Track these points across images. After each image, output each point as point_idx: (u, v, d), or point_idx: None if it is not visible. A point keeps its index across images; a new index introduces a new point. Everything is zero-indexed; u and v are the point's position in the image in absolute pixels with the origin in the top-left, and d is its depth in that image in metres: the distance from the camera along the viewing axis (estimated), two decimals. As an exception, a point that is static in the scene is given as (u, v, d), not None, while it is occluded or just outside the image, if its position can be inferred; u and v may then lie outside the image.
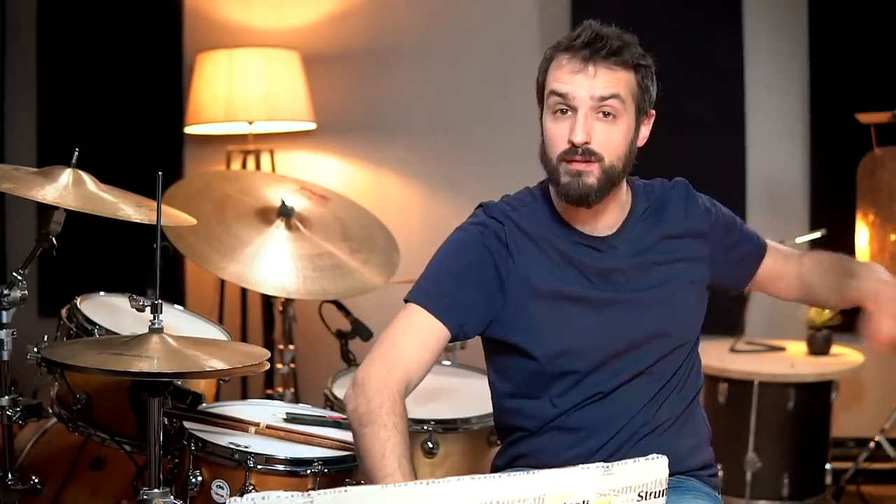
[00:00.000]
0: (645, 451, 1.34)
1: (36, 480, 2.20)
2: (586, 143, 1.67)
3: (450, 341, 1.76)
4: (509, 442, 1.86)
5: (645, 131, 1.77)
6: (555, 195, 1.78)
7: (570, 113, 1.69)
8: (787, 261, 1.93)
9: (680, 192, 1.86)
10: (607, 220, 1.78)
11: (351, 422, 1.67)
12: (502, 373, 1.83)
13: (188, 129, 3.90)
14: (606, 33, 1.69)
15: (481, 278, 1.75)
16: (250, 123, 3.73)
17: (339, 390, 2.50)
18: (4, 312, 2.01)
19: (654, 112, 1.78)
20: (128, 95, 4.04)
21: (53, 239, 2.06)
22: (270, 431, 2.07)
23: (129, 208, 2.03)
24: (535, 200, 1.82)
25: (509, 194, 1.87)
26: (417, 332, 1.73)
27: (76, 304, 2.21)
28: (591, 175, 1.69)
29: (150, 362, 1.72)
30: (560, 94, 1.69)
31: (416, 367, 1.71)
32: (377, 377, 1.66)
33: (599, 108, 1.68)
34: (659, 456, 1.31)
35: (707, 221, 1.84)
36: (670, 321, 1.78)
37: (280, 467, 1.92)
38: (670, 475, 1.32)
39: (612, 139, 1.69)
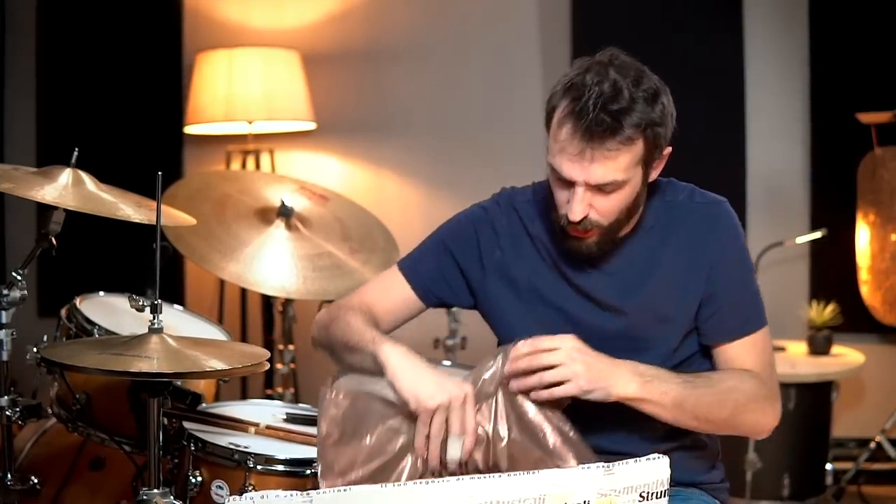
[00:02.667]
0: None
1: (35, 481, 2.19)
2: (584, 218, 1.62)
3: (426, 307, 1.87)
4: None
5: (660, 167, 1.69)
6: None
7: (569, 184, 1.62)
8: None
9: (710, 217, 1.73)
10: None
11: (318, 330, 1.80)
12: None
13: (188, 129, 3.90)
14: (606, 107, 1.55)
15: (462, 256, 1.82)
16: (250, 123, 3.73)
17: (339, 390, 2.49)
18: (4, 312, 2.01)
19: (669, 149, 1.67)
20: (128, 95, 4.04)
21: (53, 239, 2.05)
22: (270, 431, 2.07)
23: (128, 208, 2.03)
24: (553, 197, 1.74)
25: (541, 182, 1.82)
26: (389, 288, 1.86)
27: (76, 304, 2.21)
28: (591, 240, 1.66)
29: (150, 362, 1.72)
30: (560, 172, 1.62)
31: (382, 314, 1.82)
32: (344, 304, 1.82)
33: (598, 189, 1.61)
34: (660, 456, 1.30)
35: (715, 258, 1.71)
36: (652, 339, 1.71)
37: (280, 467, 1.92)
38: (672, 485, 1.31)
39: (611, 208, 1.63)
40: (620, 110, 1.55)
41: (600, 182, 1.59)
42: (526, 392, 1.54)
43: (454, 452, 1.51)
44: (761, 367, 1.72)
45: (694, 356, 1.76)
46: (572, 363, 1.52)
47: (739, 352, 1.72)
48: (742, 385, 1.67)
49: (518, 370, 1.54)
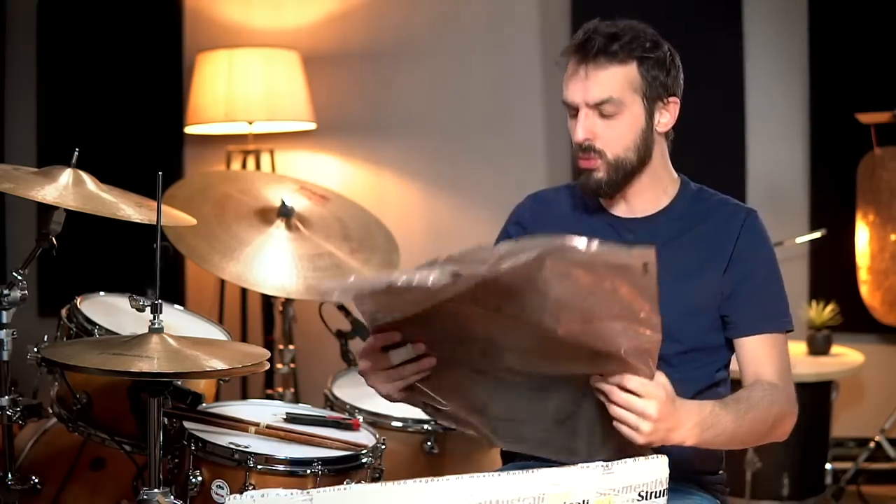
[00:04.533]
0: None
1: (36, 480, 2.19)
2: (587, 139, 1.72)
3: None
4: None
5: (666, 117, 1.78)
6: None
7: (578, 113, 1.74)
8: (747, 368, 1.78)
9: (739, 216, 1.79)
10: (643, 205, 1.81)
11: None
12: None
13: (188, 129, 3.90)
14: (600, 31, 1.71)
15: None
16: (250, 123, 3.73)
17: (339, 390, 2.50)
18: (4, 312, 2.01)
19: (675, 98, 1.78)
20: (128, 95, 4.04)
21: (53, 239, 2.05)
22: (270, 431, 2.07)
23: (129, 208, 2.03)
24: None
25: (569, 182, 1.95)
26: None
27: (76, 304, 2.21)
28: (598, 171, 1.74)
29: (150, 362, 1.72)
30: (565, 99, 1.75)
31: None
32: None
33: (598, 109, 1.72)
34: (659, 455, 1.31)
35: (740, 254, 1.76)
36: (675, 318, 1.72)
37: (280, 467, 1.92)
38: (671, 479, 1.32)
39: (613, 135, 1.72)
40: (613, 34, 1.70)
41: (597, 99, 1.70)
42: None
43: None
44: (783, 370, 1.75)
45: (718, 350, 1.79)
46: (642, 420, 1.43)
47: (762, 349, 1.74)
48: (775, 400, 1.69)
49: (600, 389, 1.46)
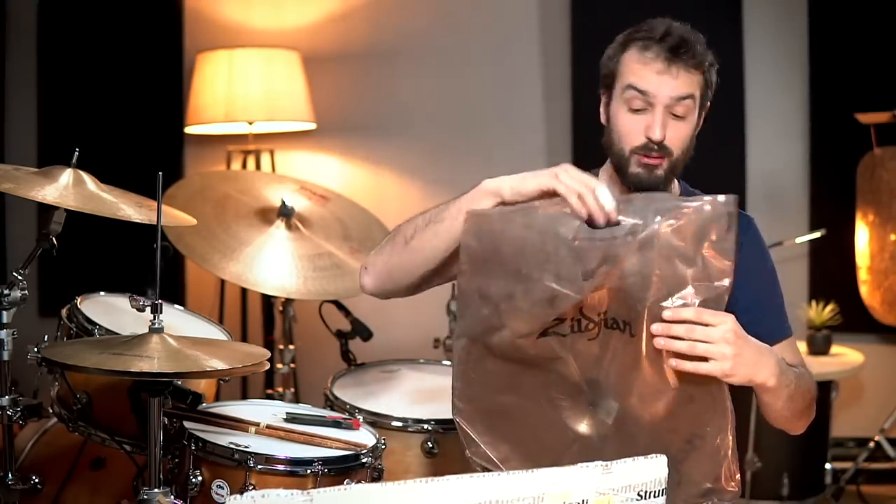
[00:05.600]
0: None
1: (36, 480, 2.19)
2: (663, 139, 1.74)
3: None
4: None
5: (701, 120, 1.82)
6: (618, 181, 1.81)
7: (646, 109, 1.74)
8: None
9: (740, 225, 1.82)
10: None
11: (372, 260, 1.84)
12: None
13: (188, 129, 3.90)
14: (687, 37, 1.75)
15: None
16: (250, 123, 3.73)
17: (339, 390, 2.50)
18: (5, 312, 2.01)
19: (709, 104, 1.83)
20: (128, 95, 4.04)
21: (54, 239, 2.05)
22: (270, 431, 2.07)
23: (129, 208, 2.03)
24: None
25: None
26: None
27: (76, 303, 2.21)
28: (661, 168, 1.76)
29: (151, 362, 1.72)
30: (641, 91, 1.74)
31: None
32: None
33: (673, 108, 1.74)
34: (658, 455, 1.31)
35: (747, 268, 1.75)
36: None
37: (280, 467, 1.92)
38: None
39: (682, 136, 1.76)
40: (693, 40, 1.76)
41: (683, 93, 1.72)
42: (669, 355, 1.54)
43: (607, 199, 1.52)
44: (802, 365, 1.84)
45: None
46: (725, 345, 1.52)
47: (783, 354, 1.76)
48: (811, 381, 1.80)
49: (671, 334, 1.51)
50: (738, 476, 1.55)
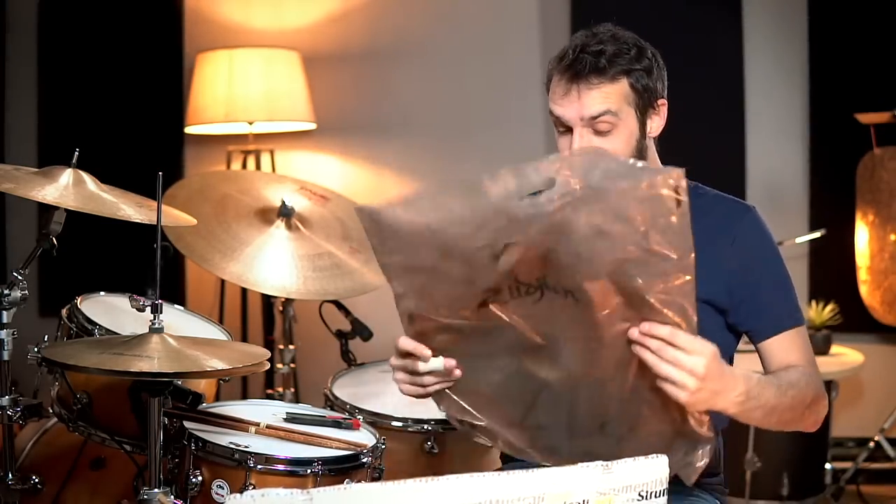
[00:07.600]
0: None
1: (36, 480, 2.19)
2: None
3: None
4: None
5: (657, 122, 1.79)
6: None
7: (570, 130, 1.74)
8: (775, 367, 1.79)
9: (739, 214, 1.80)
10: None
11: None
12: None
13: (188, 129, 3.90)
14: (590, 48, 1.70)
15: None
16: (250, 123, 3.73)
17: (339, 390, 2.50)
18: (5, 312, 2.01)
19: (664, 101, 1.79)
20: (128, 95, 4.04)
21: (54, 239, 2.06)
22: (270, 431, 2.07)
23: (129, 208, 2.03)
24: None
25: None
26: None
27: (76, 303, 2.21)
28: None
29: (151, 362, 1.72)
30: (556, 116, 1.75)
31: None
32: None
33: (594, 125, 1.72)
34: (659, 455, 1.30)
35: (739, 257, 1.76)
36: None
37: (280, 467, 1.92)
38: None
39: (614, 149, 1.71)
40: (600, 51, 1.70)
41: (592, 113, 1.70)
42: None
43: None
44: (810, 359, 1.79)
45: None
46: (690, 377, 1.43)
47: (786, 344, 1.76)
48: (811, 382, 1.74)
49: (645, 345, 1.44)
50: (707, 418, 1.48)
